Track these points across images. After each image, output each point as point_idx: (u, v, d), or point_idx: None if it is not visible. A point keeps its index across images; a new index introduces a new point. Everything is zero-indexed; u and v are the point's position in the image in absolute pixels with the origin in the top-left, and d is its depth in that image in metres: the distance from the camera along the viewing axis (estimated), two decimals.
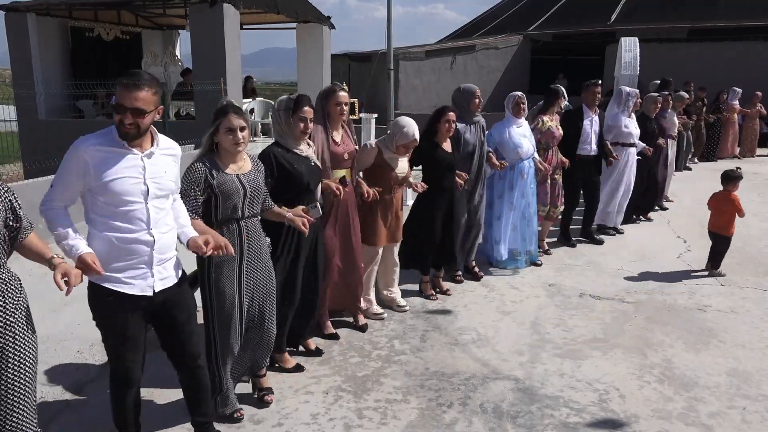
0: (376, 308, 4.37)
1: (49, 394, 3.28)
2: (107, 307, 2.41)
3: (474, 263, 5.27)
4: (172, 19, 14.04)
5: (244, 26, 13.83)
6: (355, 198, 3.94)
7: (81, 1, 11.70)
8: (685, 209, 7.99)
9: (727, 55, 16.41)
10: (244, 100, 11.81)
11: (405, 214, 4.61)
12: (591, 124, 5.95)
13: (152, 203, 2.40)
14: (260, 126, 12.69)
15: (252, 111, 12.14)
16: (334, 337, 4.01)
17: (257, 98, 13.41)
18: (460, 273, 5.17)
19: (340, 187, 3.55)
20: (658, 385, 3.47)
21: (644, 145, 6.65)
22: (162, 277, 2.48)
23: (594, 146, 5.98)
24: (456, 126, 4.61)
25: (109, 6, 12.55)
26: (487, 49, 20.18)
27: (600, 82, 6.06)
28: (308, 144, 3.43)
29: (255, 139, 12.28)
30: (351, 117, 12.08)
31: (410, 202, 4.73)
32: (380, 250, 4.26)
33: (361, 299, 4.27)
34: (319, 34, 13.36)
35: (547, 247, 5.99)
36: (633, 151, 6.53)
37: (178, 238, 2.56)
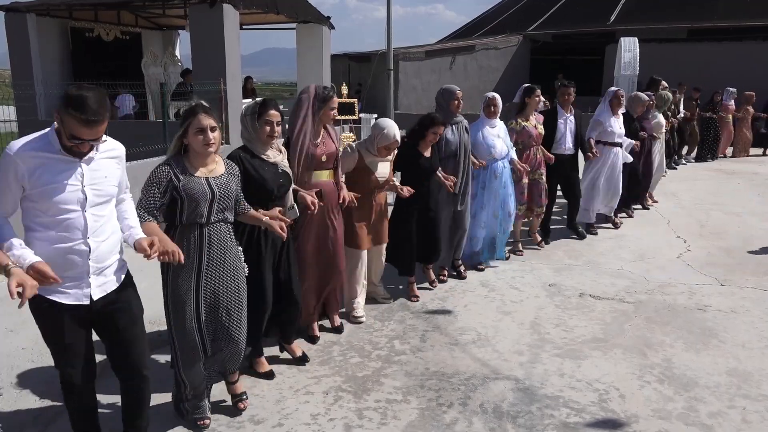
0: (359, 311, 4.31)
1: (48, 394, 3.28)
2: (45, 315, 2.35)
3: (460, 261, 5.32)
4: (172, 19, 14.04)
5: (244, 26, 13.83)
6: (337, 200, 3.88)
7: (81, 2, 11.69)
8: (685, 209, 7.99)
9: (727, 55, 16.44)
10: (244, 101, 11.81)
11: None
12: (566, 124, 6.03)
13: (91, 211, 2.30)
14: None
15: None
16: (313, 340, 3.96)
17: (257, 99, 13.39)
18: (446, 272, 5.18)
19: (315, 201, 3.48)
20: (658, 385, 3.46)
21: (632, 141, 6.71)
22: (100, 284, 2.38)
23: (569, 145, 6.07)
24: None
25: (109, 6, 12.55)
26: (486, 49, 20.20)
27: (572, 82, 6.13)
28: (279, 150, 3.37)
29: None
30: (351, 117, 12.12)
31: (391, 199, 4.69)
32: (364, 253, 4.26)
33: (349, 302, 4.30)
34: (318, 35, 13.36)
35: (539, 239, 6.18)
36: (618, 150, 6.54)
37: (125, 240, 2.47)
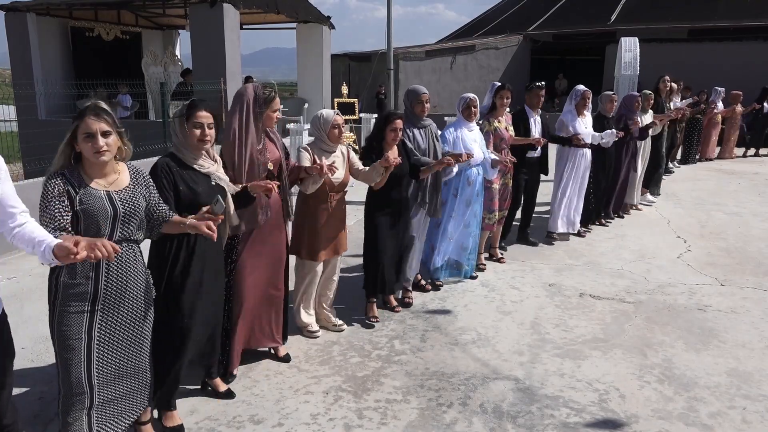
0: (314, 326, 4.03)
1: (48, 394, 3.28)
2: None
3: (420, 276, 4.89)
4: (172, 19, 14.06)
5: (244, 26, 13.85)
6: (281, 211, 3.48)
7: (81, 1, 11.71)
8: (686, 209, 7.99)
9: (727, 55, 16.44)
10: None
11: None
12: (535, 126, 5.68)
13: None
14: None
15: None
16: (287, 359, 3.63)
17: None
18: (411, 296, 4.67)
19: (270, 183, 3.10)
20: (658, 385, 3.46)
21: (613, 131, 6.24)
22: None
23: (537, 148, 5.68)
24: (406, 131, 4.33)
25: (109, 6, 12.57)
26: (487, 49, 20.21)
27: (543, 84, 5.70)
28: (214, 159, 3.00)
29: None
30: (351, 117, 12.13)
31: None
32: (318, 267, 3.91)
33: (301, 320, 3.97)
34: (319, 34, 13.38)
35: (500, 255, 5.74)
36: (585, 152, 6.15)
37: (42, 258, 2.07)
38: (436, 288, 4.93)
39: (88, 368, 2.42)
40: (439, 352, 3.86)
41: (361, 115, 11.60)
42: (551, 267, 5.58)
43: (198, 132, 2.81)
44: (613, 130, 6.29)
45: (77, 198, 2.28)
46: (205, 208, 2.58)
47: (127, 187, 2.43)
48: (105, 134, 2.30)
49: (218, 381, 3.30)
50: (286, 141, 11.74)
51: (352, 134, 10.64)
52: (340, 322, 4.19)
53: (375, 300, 4.35)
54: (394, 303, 4.53)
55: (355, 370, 3.61)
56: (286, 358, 3.71)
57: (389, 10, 13.27)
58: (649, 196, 8.17)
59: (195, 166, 2.86)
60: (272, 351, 3.75)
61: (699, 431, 3.03)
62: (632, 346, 3.97)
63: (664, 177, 9.32)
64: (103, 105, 2.36)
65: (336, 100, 12.16)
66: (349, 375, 3.55)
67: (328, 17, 13.69)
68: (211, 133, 2.85)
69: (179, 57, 14.06)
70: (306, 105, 13.24)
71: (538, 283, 5.14)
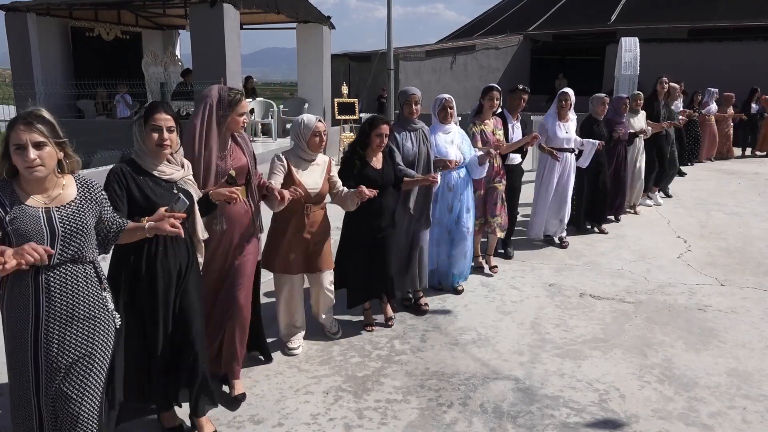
0: (293, 343, 3.81)
1: None
2: None
3: (421, 293, 4.56)
4: (172, 19, 14.07)
5: (244, 26, 13.84)
6: (250, 223, 3.26)
7: (81, 1, 11.71)
8: (686, 209, 7.99)
9: (727, 55, 16.46)
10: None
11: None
12: (513, 131, 5.42)
13: None
14: (260, 126, 12.75)
15: (252, 111, 12.17)
16: (239, 399, 3.23)
17: (257, 98, 13.43)
18: (421, 301, 4.52)
19: (233, 190, 2.94)
20: (658, 385, 3.47)
21: (594, 142, 6.09)
22: None
23: (515, 154, 5.45)
24: (395, 136, 4.21)
25: (109, 6, 12.57)
26: (487, 49, 20.22)
27: (528, 89, 5.49)
28: (181, 165, 2.77)
29: (255, 139, 12.31)
30: (351, 117, 12.12)
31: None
32: (294, 280, 3.71)
33: (284, 329, 3.79)
34: (319, 34, 13.37)
35: (493, 263, 5.47)
36: (566, 156, 5.96)
37: None
38: (436, 291, 4.90)
39: (37, 402, 2.18)
40: (439, 352, 3.86)
41: (361, 115, 11.60)
42: (551, 267, 5.59)
43: (156, 136, 2.59)
44: (595, 141, 6.09)
45: (7, 218, 2.05)
46: (163, 208, 2.39)
47: (72, 202, 2.17)
48: (38, 146, 2.03)
49: (204, 420, 2.96)
50: (285, 141, 11.75)
51: (352, 134, 10.64)
52: (336, 329, 4.06)
53: (369, 307, 4.25)
54: (390, 314, 4.29)
55: (355, 370, 3.61)
56: (238, 400, 3.22)
57: (389, 10, 13.27)
58: (648, 201, 8.14)
59: (155, 173, 2.64)
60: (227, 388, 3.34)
61: (699, 431, 3.03)
62: (632, 346, 3.97)
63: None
64: (41, 112, 2.09)
65: (336, 100, 12.18)
66: (349, 375, 3.55)
67: (328, 17, 13.67)
68: (171, 137, 2.62)
69: (179, 57, 14.07)
70: (306, 105, 13.24)
71: (538, 283, 5.14)
